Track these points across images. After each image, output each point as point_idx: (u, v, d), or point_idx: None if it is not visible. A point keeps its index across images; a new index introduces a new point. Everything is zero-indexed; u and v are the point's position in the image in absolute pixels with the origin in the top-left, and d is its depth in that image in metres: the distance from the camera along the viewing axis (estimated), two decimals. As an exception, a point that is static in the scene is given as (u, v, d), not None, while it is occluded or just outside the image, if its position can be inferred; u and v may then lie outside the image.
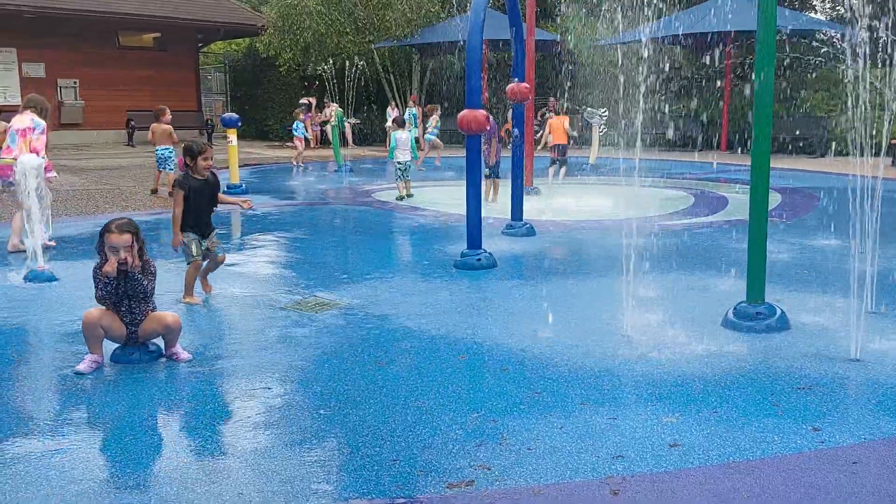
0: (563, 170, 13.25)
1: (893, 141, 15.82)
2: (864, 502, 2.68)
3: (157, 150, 11.75)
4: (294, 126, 17.27)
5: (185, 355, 4.23)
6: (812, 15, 25.42)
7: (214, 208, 5.62)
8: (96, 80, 22.65)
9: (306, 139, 17.07)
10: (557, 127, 13.41)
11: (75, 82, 22.55)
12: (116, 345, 4.23)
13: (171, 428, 3.42)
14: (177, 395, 3.78)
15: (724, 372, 3.99)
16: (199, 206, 5.42)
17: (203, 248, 5.51)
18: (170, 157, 11.59)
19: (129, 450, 3.13)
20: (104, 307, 4.14)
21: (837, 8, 27.26)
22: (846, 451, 3.08)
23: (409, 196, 11.60)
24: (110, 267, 4.05)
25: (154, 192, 11.89)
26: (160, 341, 4.29)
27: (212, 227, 5.60)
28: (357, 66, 21.05)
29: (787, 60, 19.50)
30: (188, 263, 5.48)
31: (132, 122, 22.82)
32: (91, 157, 18.34)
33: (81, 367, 4.02)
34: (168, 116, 11.72)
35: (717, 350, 4.34)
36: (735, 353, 4.28)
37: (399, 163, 11.59)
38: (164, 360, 4.23)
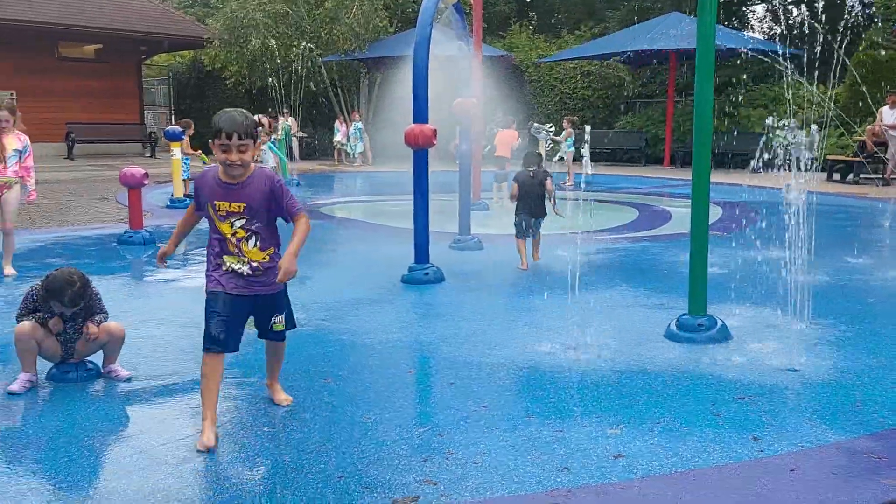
0: (503, 185, 12.76)
1: (828, 157, 16.46)
2: (801, 508, 2.75)
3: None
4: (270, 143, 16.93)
5: (124, 373, 4.11)
6: (750, 34, 26.30)
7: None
8: (35, 92, 21.97)
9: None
10: (501, 140, 13.47)
11: (12, 94, 21.84)
12: (51, 364, 4.09)
13: (109, 448, 3.30)
14: (115, 415, 3.66)
15: (667, 383, 4.06)
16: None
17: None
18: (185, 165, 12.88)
19: (66, 473, 3.02)
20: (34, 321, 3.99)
21: (775, 28, 28.30)
22: (784, 458, 3.16)
23: None
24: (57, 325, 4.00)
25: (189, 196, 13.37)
26: (98, 359, 4.16)
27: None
28: (303, 80, 20.90)
29: (727, 78, 20.13)
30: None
31: (72, 135, 22.21)
32: (28, 171, 17.75)
33: (14, 386, 3.86)
34: (191, 131, 13.32)
35: (660, 361, 4.41)
36: (677, 364, 4.36)
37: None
38: (102, 378, 4.10)
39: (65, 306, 3.91)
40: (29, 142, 6.74)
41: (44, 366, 4.08)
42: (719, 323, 4.83)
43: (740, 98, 19.99)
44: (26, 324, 3.94)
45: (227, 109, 3.38)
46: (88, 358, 4.15)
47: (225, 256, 3.46)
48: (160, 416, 3.64)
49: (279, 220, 3.55)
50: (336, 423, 3.50)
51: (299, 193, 15.01)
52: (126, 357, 4.28)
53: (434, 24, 6.96)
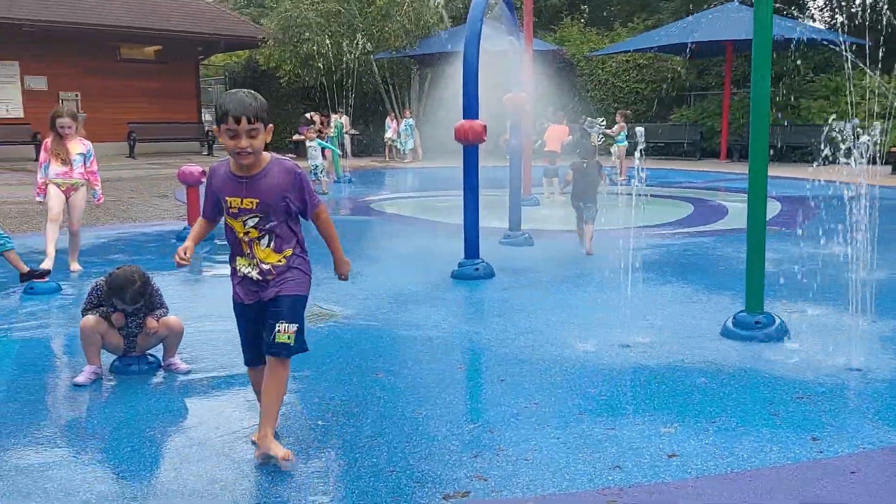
0: (554, 180, 12.50)
1: (893, 149, 15.87)
2: (863, 512, 2.67)
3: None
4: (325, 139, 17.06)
5: (183, 366, 4.23)
6: (810, 24, 25.50)
7: None
8: (98, 93, 22.76)
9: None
10: (551, 135, 13.36)
11: (77, 95, 22.65)
12: (115, 356, 4.24)
13: (169, 439, 3.41)
14: (175, 407, 3.78)
15: (723, 381, 3.98)
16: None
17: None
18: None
19: (129, 462, 3.13)
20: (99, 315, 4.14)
21: (836, 17, 27.38)
22: (844, 460, 3.07)
23: (324, 193, 13.49)
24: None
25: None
26: (158, 352, 4.29)
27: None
28: (355, 77, 21.09)
29: (785, 68, 19.55)
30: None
31: (133, 134, 22.90)
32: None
33: (80, 378, 4.01)
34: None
35: (715, 359, 4.33)
36: (734, 363, 4.27)
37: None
38: (162, 371, 4.24)
39: (126, 304, 4.05)
40: (92, 147, 6.98)
41: (107, 358, 4.23)
42: (777, 320, 4.72)
43: (791, 88, 19.32)
44: (90, 318, 4.09)
45: (234, 90, 2.95)
46: (149, 351, 4.29)
47: (238, 259, 3.11)
48: (218, 409, 3.74)
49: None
50: (387, 418, 3.54)
51: (352, 190, 15.18)
52: (185, 350, 4.41)
53: (484, 19, 6.95)
